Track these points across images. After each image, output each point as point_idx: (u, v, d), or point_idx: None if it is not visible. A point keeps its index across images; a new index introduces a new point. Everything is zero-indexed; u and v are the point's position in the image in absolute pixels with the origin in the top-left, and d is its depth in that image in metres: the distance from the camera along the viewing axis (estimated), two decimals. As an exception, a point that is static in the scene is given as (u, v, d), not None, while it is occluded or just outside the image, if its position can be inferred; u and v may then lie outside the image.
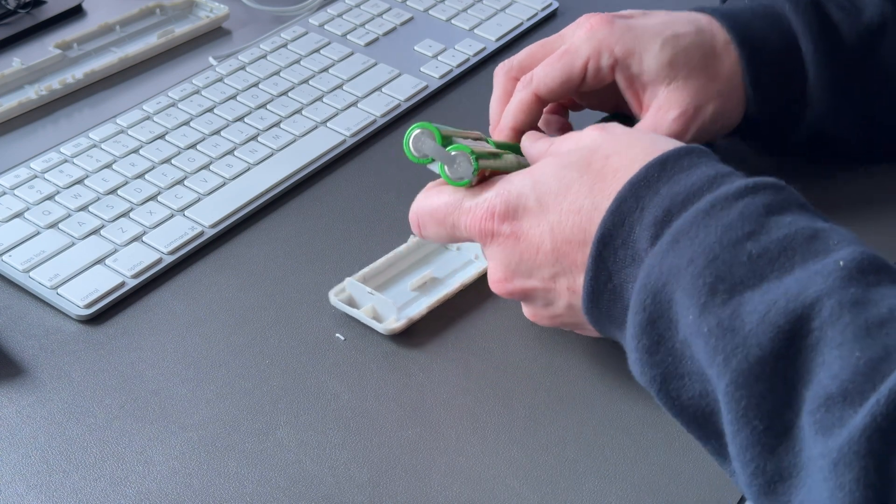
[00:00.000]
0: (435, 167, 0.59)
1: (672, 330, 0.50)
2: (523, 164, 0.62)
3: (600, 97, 0.74)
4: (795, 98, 0.71)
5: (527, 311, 0.62)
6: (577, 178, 0.56)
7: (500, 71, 0.72)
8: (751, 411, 0.46)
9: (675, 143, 0.56)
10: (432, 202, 0.60)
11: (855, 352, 0.44)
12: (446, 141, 0.59)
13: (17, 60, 0.87)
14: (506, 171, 0.60)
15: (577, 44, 0.69)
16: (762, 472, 0.46)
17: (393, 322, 0.64)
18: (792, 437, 0.45)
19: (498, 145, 0.65)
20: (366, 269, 0.68)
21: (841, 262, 0.47)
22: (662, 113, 0.68)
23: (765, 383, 0.45)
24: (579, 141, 0.59)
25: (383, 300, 0.65)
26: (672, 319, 0.50)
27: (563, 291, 0.57)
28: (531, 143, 0.63)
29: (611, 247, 0.53)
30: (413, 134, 0.59)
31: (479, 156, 0.58)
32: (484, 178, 0.59)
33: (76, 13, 0.97)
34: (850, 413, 0.43)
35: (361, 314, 0.65)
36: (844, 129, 0.73)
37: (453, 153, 0.58)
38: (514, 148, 0.66)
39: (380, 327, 0.64)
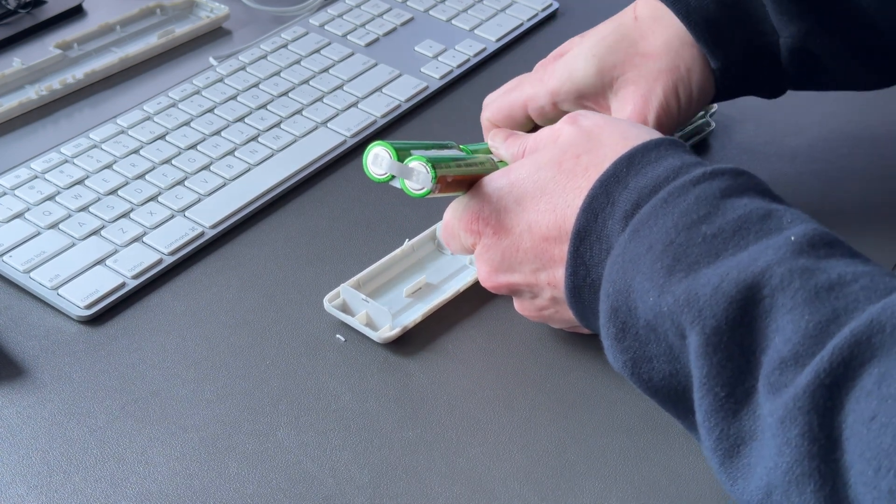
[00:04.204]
0: (397, 183, 0.59)
1: (633, 317, 0.51)
2: (501, 168, 0.63)
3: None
4: (761, 34, 0.69)
5: (516, 304, 0.64)
6: (550, 179, 0.58)
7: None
8: (712, 379, 0.47)
9: (645, 136, 0.57)
10: (445, 219, 0.63)
11: (805, 315, 0.45)
12: (402, 155, 0.58)
13: (18, 60, 0.87)
14: (480, 173, 0.61)
15: (521, 85, 0.72)
16: (726, 436, 0.47)
17: (387, 330, 0.64)
18: (753, 402, 0.46)
19: (473, 151, 0.65)
20: (360, 275, 0.67)
21: (792, 237, 0.48)
22: (621, 117, 0.69)
23: (723, 352, 0.47)
24: (552, 138, 0.61)
25: (378, 307, 0.65)
26: (631, 307, 0.51)
27: (544, 285, 0.60)
28: (500, 145, 0.65)
29: (586, 242, 0.55)
30: (369, 154, 0.59)
31: (435, 163, 0.58)
32: (448, 185, 0.59)
33: (76, 13, 0.97)
34: (799, 373, 0.44)
35: (356, 321, 0.65)
36: (825, 48, 0.70)
37: (410, 165, 0.58)
38: (488, 150, 0.67)
39: (374, 335, 0.64)
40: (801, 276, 0.47)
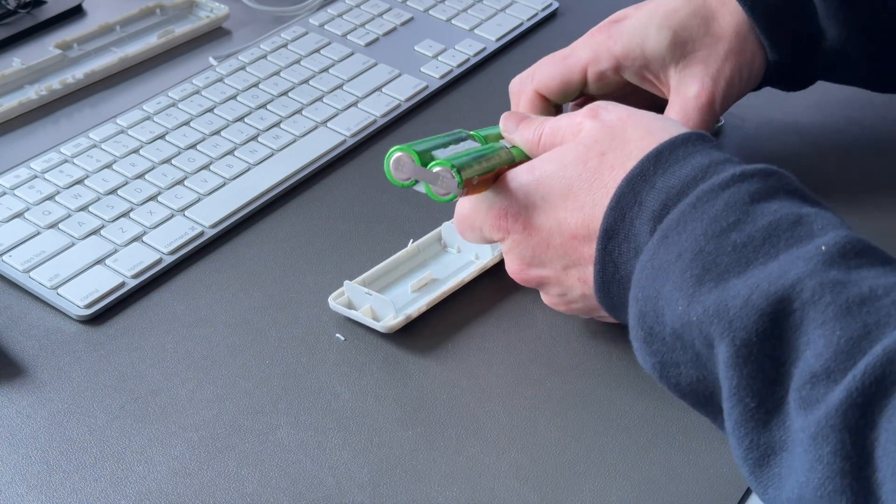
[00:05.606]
0: (421, 188, 0.59)
1: (660, 323, 0.51)
2: (515, 155, 0.62)
3: (637, 100, 0.73)
4: (809, 32, 0.71)
5: (545, 298, 0.64)
6: (576, 177, 0.57)
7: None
8: (742, 390, 0.47)
9: (672, 131, 0.57)
10: (464, 209, 0.63)
11: (836, 330, 0.45)
12: (425, 158, 0.58)
13: (18, 60, 0.87)
14: (499, 166, 0.61)
15: (578, 49, 0.71)
16: (756, 446, 0.47)
17: (391, 320, 0.64)
18: (783, 413, 0.46)
19: (486, 138, 0.65)
20: (365, 274, 0.67)
21: (823, 247, 0.48)
22: (683, 93, 0.69)
23: (753, 364, 0.47)
24: (571, 131, 0.60)
25: (381, 299, 0.65)
26: (659, 313, 0.51)
27: (575, 282, 0.60)
28: (514, 129, 0.64)
29: (614, 241, 0.55)
30: (391, 159, 0.59)
31: (461, 167, 0.58)
32: (474, 187, 0.59)
33: (76, 13, 0.97)
34: (831, 389, 0.44)
35: (360, 315, 0.65)
36: (865, 53, 0.72)
37: (435, 170, 0.58)
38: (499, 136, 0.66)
39: (378, 325, 0.64)
40: (831, 289, 0.46)
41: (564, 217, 0.58)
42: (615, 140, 0.57)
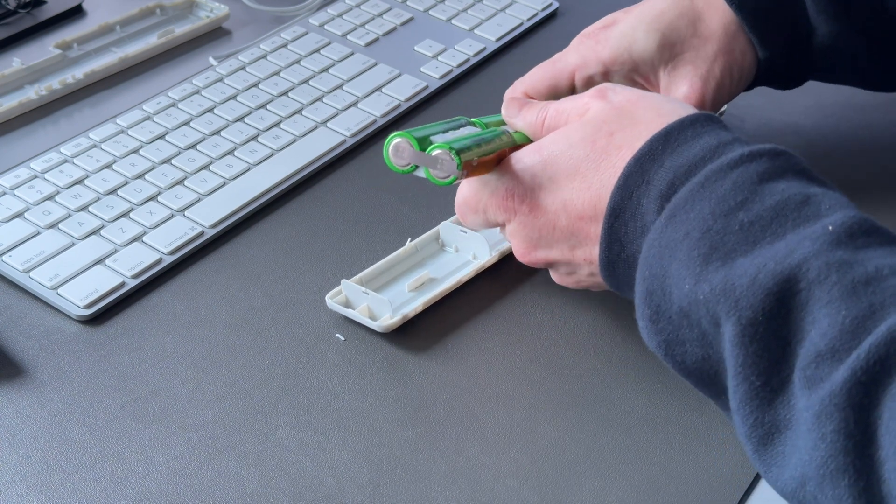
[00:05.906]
0: (421, 173, 0.59)
1: (667, 302, 0.52)
2: (517, 139, 0.62)
3: None
4: (799, 29, 0.71)
5: (553, 275, 0.64)
6: (584, 157, 0.58)
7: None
8: (748, 368, 0.47)
9: (680, 112, 0.57)
10: (466, 192, 0.63)
11: (842, 310, 0.45)
12: (424, 144, 0.58)
13: (18, 60, 0.87)
14: (500, 149, 0.61)
15: (567, 54, 0.72)
16: (760, 424, 0.48)
17: (388, 319, 0.64)
18: (788, 392, 0.47)
19: (487, 125, 0.65)
20: (363, 273, 0.67)
21: (830, 227, 0.48)
22: (672, 95, 0.70)
23: (759, 343, 0.47)
24: (577, 112, 0.60)
25: (378, 298, 0.65)
26: (666, 292, 0.51)
27: (581, 262, 0.60)
28: (516, 114, 0.64)
29: (621, 219, 0.55)
30: (391, 146, 0.59)
31: (460, 149, 0.58)
32: (474, 169, 0.59)
33: (76, 13, 0.97)
34: (835, 368, 0.45)
35: (357, 314, 0.65)
36: (856, 49, 0.72)
37: (434, 154, 0.58)
38: (503, 122, 0.66)
39: (375, 325, 0.64)
40: (837, 269, 0.46)
41: (571, 197, 0.58)
42: (624, 120, 0.58)
